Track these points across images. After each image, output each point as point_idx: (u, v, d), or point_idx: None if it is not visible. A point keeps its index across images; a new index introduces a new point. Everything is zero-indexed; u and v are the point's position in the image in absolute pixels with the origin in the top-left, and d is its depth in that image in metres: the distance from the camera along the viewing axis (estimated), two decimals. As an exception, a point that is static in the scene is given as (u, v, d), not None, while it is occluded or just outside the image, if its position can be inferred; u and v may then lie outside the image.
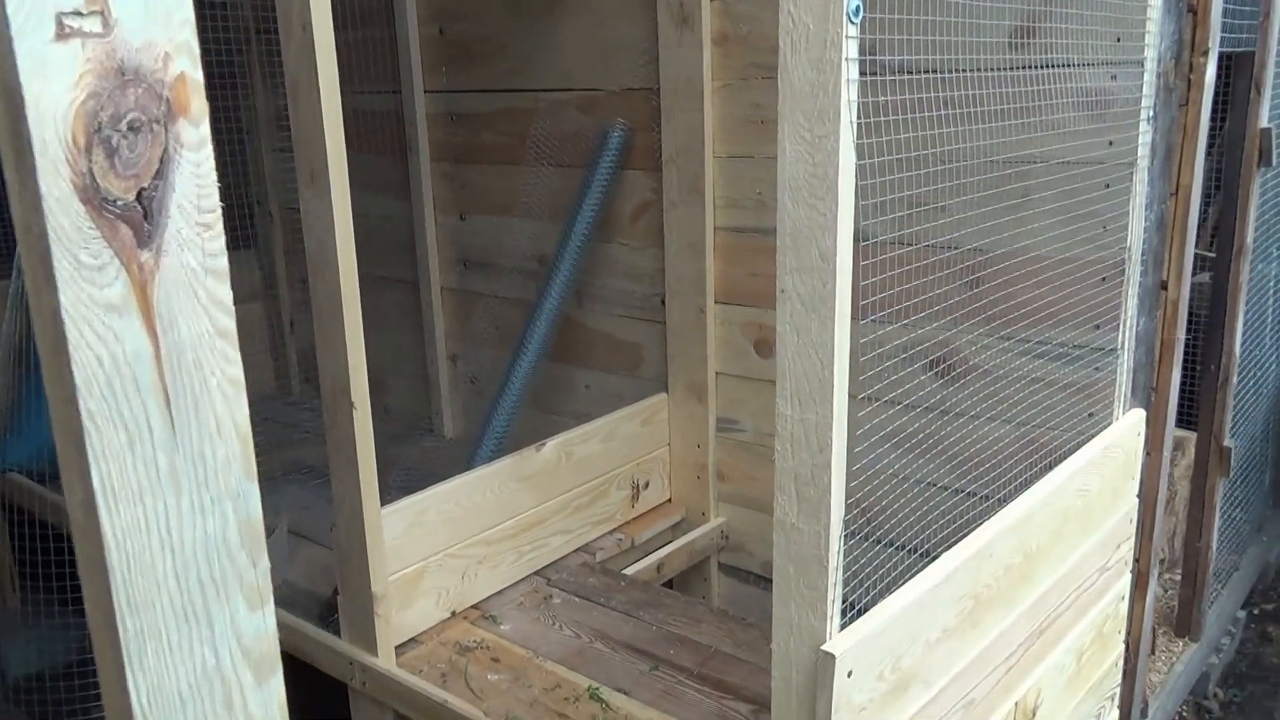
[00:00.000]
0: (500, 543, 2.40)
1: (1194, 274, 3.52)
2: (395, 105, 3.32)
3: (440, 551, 2.25)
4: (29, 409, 3.04)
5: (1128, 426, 2.15)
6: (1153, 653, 2.75)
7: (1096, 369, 2.15)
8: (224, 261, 0.64)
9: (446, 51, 3.21)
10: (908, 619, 1.47)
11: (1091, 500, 2.02)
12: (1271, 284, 3.31)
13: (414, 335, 3.51)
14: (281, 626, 2.12)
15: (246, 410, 0.67)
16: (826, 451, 1.29)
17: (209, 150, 0.61)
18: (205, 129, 0.61)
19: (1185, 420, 3.02)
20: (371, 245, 3.63)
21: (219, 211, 0.63)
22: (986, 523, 1.69)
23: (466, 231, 3.32)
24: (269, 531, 2.40)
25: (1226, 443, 2.82)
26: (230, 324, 0.65)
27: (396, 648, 2.17)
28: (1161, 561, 3.30)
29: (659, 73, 2.66)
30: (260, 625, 0.71)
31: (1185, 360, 3.26)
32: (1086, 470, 1.97)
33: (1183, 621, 2.97)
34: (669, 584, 2.83)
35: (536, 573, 2.52)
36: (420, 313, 3.45)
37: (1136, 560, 2.42)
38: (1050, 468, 1.97)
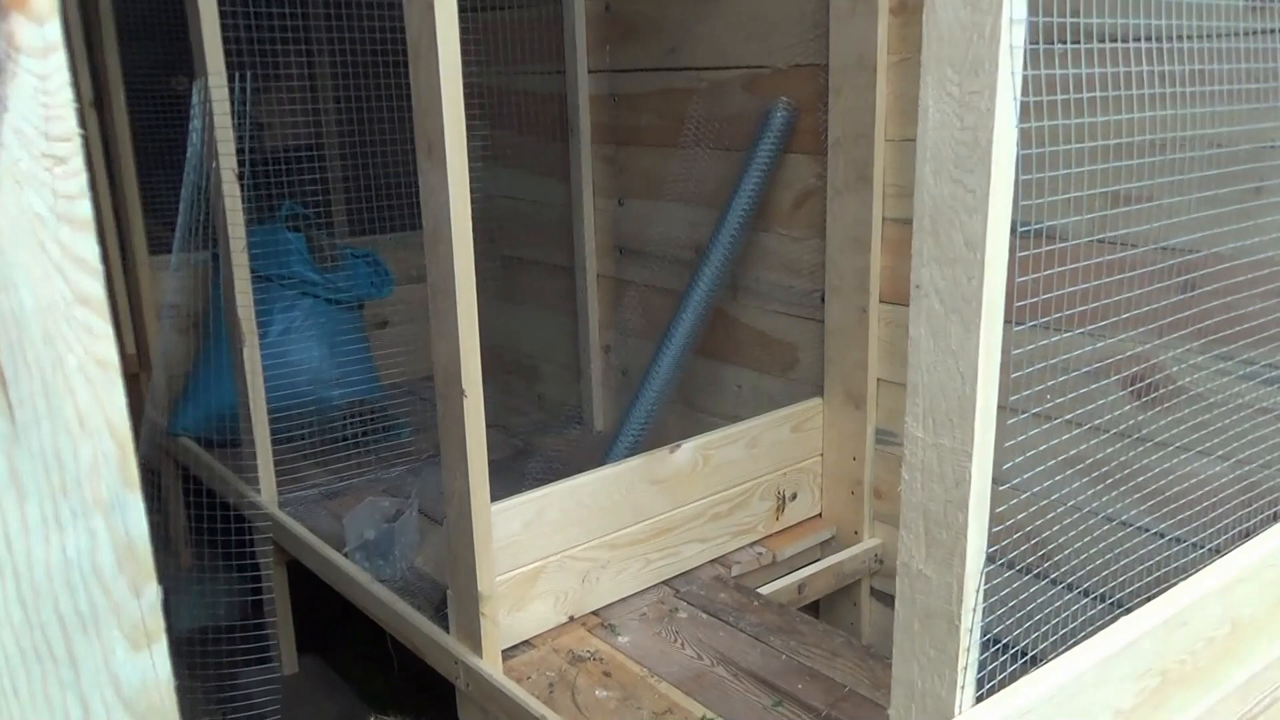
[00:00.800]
0: (626, 547, 2.25)
1: None
2: (559, 86, 3.23)
3: (560, 552, 2.12)
4: (203, 376, 3.16)
5: (1383, 473, 1.74)
6: None
7: (1343, 400, 1.76)
8: (86, 206, 0.50)
9: (612, 29, 3.08)
10: (1069, 697, 1.20)
11: (1328, 561, 1.64)
12: None
13: (568, 323, 3.42)
14: (399, 619, 2.05)
15: (123, 400, 0.53)
16: (964, 486, 1.04)
17: (61, 60, 0.47)
18: (54, 31, 0.47)
19: None
20: (529, 229, 3.57)
21: (78, 141, 0.49)
22: (1184, 582, 1.38)
23: (624, 217, 3.19)
24: (397, 515, 2.36)
25: None
26: (96, 288, 0.51)
27: (509, 649, 2.07)
28: None
29: (828, 47, 2.42)
30: (147, 671, 0.56)
31: None
32: (1323, 525, 1.59)
33: None
34: (813, 608, 2.60)
35: (665, 582, 2.35)
36: (575, 300, 3.35)
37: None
38: (1277, 518, 1.61)
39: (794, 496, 2.58)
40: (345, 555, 2.40)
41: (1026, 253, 1.30)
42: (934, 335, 1.05)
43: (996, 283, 1.03)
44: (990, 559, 1.72)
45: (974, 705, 1.13)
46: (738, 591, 2.32)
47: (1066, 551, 2.01)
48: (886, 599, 2.65)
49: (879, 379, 2.50)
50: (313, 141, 3.83)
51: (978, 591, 1.07)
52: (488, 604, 1.92)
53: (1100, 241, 1.88)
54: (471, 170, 1.76)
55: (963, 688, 1.10)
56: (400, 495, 2.61)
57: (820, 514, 2.65)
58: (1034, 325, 1.36)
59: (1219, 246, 1.84)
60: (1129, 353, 1.99)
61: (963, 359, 1.03)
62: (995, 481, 1.44)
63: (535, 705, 1.84)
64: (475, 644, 1.95)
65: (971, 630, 1.09)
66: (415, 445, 3.10)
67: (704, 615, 2.22)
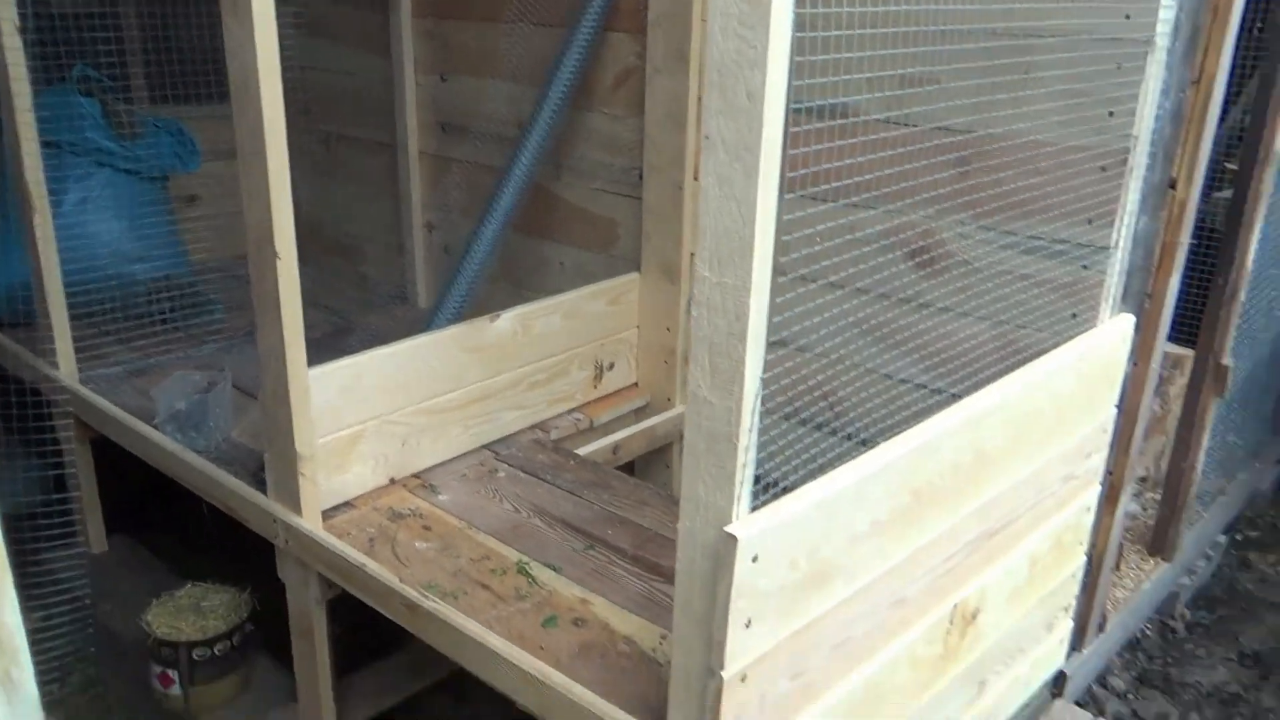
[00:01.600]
0: (446, 413, 2.31)
1: (1214, 187, 3.31)
2: (376, -49, 3.11)
3: (378, 417, 2.17)
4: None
5: (1113, 332, 2.01)
6: (1118, 568, 2.66)
7: (1085, 267, 2.00)
8: None
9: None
10: (830, 509, 1.37)
11: (1062, 405, 1.89)
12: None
13: (391, 201, 3.38)
14: (215, 484, 2.06)
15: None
16: (743, 320, 1.16)
17: None
18: None
19: (1188, 340, 2.88)
20: (348, 104, 3.47)
21: None
22: (934, 417, 1.57)
23: (447, 93, 3.15)
24: (209, 386, 2.33)
25: (1225, 361, 2.67)
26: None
27: (329, 510, 2.11)
28: (1144, 480, 3.20)
29: (648, -79, 2.45)
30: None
31: (1193, 275, 3.09)
32: (1059, 373, 1.84)
33: (1158, 541, 2.88)
34: (629, 469, 2.76)
35: (485, 446, 2.44)
36: (397, 178, 3.30)
37: (1110, 473, 2.31)
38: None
39: (611, 366, 2.71)
40: (155, 428, 2.35)
41: (820, 125, 1.41)
42: (720, 182, 1.15)
43: (775, 134, 1.13)
44: (786, 416, 1.89)
45: (750, 514, 1.28)
46: (556, 453, 2.44)
47: (852, 406, 2.21)
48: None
49: (692, 254, 2.63)
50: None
51: (753, 414, 1.21)
52: (306, 464, 1.96)
53: (887, 121, 2.04)
54: (284, 39, 1.72)
55: (739, 500, 1.25)
56: (213, 370, 2.57)
57: (636, 383, 2.78)
58: (846, 204, 1.49)
59: (993, 129, 2.03)
60: (916, 229, 2.18)
61: (744, 203, 1.14)
62: (793, 346, 1.58)
63: (354, 554, 1.91)
64: (294, 503, 1.99)
65: (748, 449, 1.23)
66: (228, 324, 3.03)
67: (523, 474, 2.33)
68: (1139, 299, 2.14)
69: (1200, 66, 2.11)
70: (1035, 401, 1.79)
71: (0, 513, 2.65)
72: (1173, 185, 2.12)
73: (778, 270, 1.39)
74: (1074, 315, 2.02)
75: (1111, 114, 1.94)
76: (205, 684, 2.21)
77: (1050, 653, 2.31)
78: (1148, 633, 2.92)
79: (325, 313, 3.27)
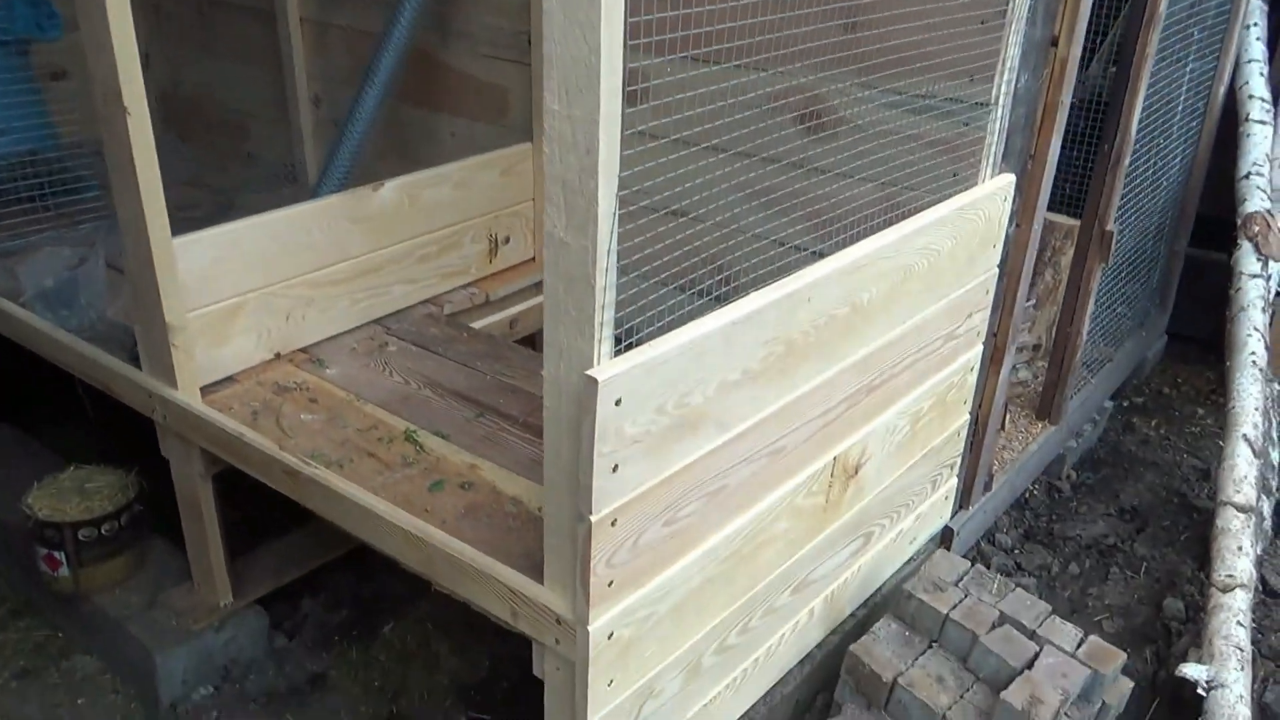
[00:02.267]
0: (331, 286, 2.25)
1: (1109, 67, 3.33)
2: None
3: (258, 289, 2.10)
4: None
5: (993, 190, 2.02)
6: (1003, 428, 2.75)
7: (965, 124, 2.00)
8: None
9: None
10: (698, 354, 1.37)
11: (940, 262, 1.91)
12: (1185, 83, 3.13)
13: (274, 74, 3.21)
14: (89, 362, 1.97)
15: None
16: (594, 154, 1.13)
17: None
18: None
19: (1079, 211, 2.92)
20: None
21: None
22: (808, 268, 1.58)
23: (328, -46, 2.98)
24: (80, 263, 2.22)
25: (1110, 227, 2.73)
26: None
27: (211, 385, 2.06)
28: (1037, 348, 3.29)
29: None
30: None
31: (1088, 149, 3.13)
32: (935, 229, 1.85)
33: (1044, 404, 2.98)
34: (531, 345, 2.74)
35: (376, 320, 2.39)
36: (279, 48, 3.14)
37: (994, 334, 2.37)
38: (903, 226, 1.85)
39: (507, 240, 2.66)
40: (22, 305, 2.25)
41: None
42: (564, 8, 1.10)
43: (622, -45, 1.08)
44: (681, 289, 1.88)
45: (613, 358, 1.27)
46: (449, 326, 2.40)
47: (743, 275, 2.21)
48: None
49: (585, 122, 2.56)
50: None
51: (609, 254, 1.19)
52: (178, 335, 1.89)
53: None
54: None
55: (600, 341, 1.24)
56: (86, 247, 2.45)
57: (534, 257, 2.74)
58: (735, 65, 1.44)
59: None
60: (805, 93, 2.15)
61: (589, 30, 1.09)
62: (689, 216, 1.55)
63: (232, 424, 1.87)
64: (169, 377, 1.93)
65: (606, 289, 1.21)
66: (103, 203, 2.88)
67: (414, 348, 2.30)
68: (1021, 160, 2.16)
69: (1088, -80, 2.09)
70: (910, 256, 1.80)
71: None
72: (1054, 42, 2.11)
73: (659, 134, 1.36)
74: (955, 175, 2.03)
75: (995, -35, 1.92)
76: (94, 565, 2.17)
77: (936, 509, 2.40)
78: (1035, 492, 3.05)
79: (207, 191, 3.14)
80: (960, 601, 1.99)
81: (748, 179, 2.16)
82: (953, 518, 2.53)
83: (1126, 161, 2.66)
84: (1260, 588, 2.45)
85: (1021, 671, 1.84)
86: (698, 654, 1.66)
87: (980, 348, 2.26)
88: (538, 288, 2.74)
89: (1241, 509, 2.35)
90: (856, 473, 1.93)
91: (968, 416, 2.35)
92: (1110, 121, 2.62)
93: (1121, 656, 1.93)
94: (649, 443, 1.35)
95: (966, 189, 2.00)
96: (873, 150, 2.07)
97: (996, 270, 2.17)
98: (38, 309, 2.23)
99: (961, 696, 1.85)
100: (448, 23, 2.72)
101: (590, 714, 1.46)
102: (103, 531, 2.15)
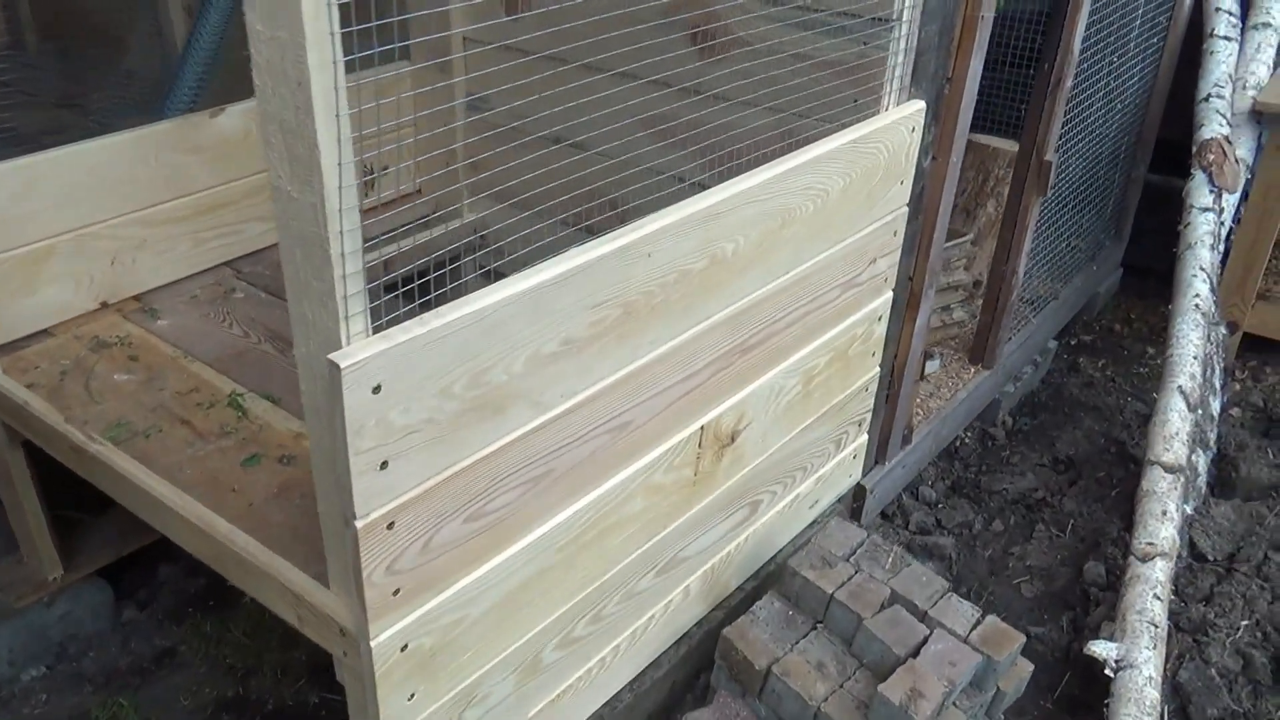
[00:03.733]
0: (168, 225, 2.01)
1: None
2: None
3: (74, 230, 1.86)
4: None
5: (897, 119, 1.78)
6: (922, 378, 2.56)
7: (865, 43, 1.75)
8: None
9: None
10: (493, 326, 1.16)
11: (830, 203, 1.68)
12: (1140, 9, 2.85)
13: (145, -18, 2.90)
14: None
15: None
16: (306, 87, 0.90)
17: None
18: None
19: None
20: None
21: None
22: (648, 217, 1.35)
23: None
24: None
25: (1049, 157, 2.49)
26: None
27: (19, 340, 1.84)
28: (978, 284, 3.07)
29: None
30: None
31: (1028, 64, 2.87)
32: (820, 166, 1.62)
33: (977, 349, 2.78)
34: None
35: (227, 263, 2.15)
36: (145, -49, 2.82)
37: (910, 279, 2.15)
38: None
39: (385, 169, 2.40)
40: None
41: None
42: (260, -105, 0.86)
43: None
44: (566, 222, 1.65)
45: (371, 336, 1.05)
46: (308, 270, 2.17)
47: (632, 205, 1.98)
48: (497, 278, 2.60)
49: (465, 38, 2.29)
50: None
51: (341, 213, 0.96)
52: (-40, 286, 1.66)
53: None
54: None
55: (346, 317, 1.02)
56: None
57: (419, 190, 2.49)
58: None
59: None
60: (697, 9, 1.89)
61: (287, -77, 0.85)
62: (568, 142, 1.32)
63: (20, 393, 1.66)
64: (-44, 332, 1.71)
65: (345, 256, 0.99)
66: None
67: (264, 294, 2.07)
68: (937, 84, 1.91)
69: None
70: (789, 198, 1.57)
71: None
72: (978, -53, 1.85)
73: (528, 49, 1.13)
74: (855, 102, 1.79)
75: None
76: (-92, 535, 1.98)
77: (843, 468, 2.22)
78: (967, 440, 2.87)
79: (77, 113, 2.86)
80: (850, 579, 1.81)
81: (636, 104, 1.92)
82: (865, 475, 2.35)
83: (1069, 83, 2.41)
84: (1187, 552, 2.29)
85: (906, 660, 1.67)
86: (534, 651, 1.49)
87: (889, 295, 2.04)
88: (422, 225, 2.50)
89: (1170, 468, 2.17)
90: (733, 440, 1.73)
91: (877, 370, 2.15)
92: (1050, 39, 2.36)
93: (1020, 640, 1.76)
94: (432, 432, 1.14)
95: (866, 118, 1.76)
96: (762, 73, 1.82)
97: (906, 209, 1.94)
98: None
99: (841, 685, 1.69)
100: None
101: (388, 732, 1.29)
102: (-86, 500, 1.95)
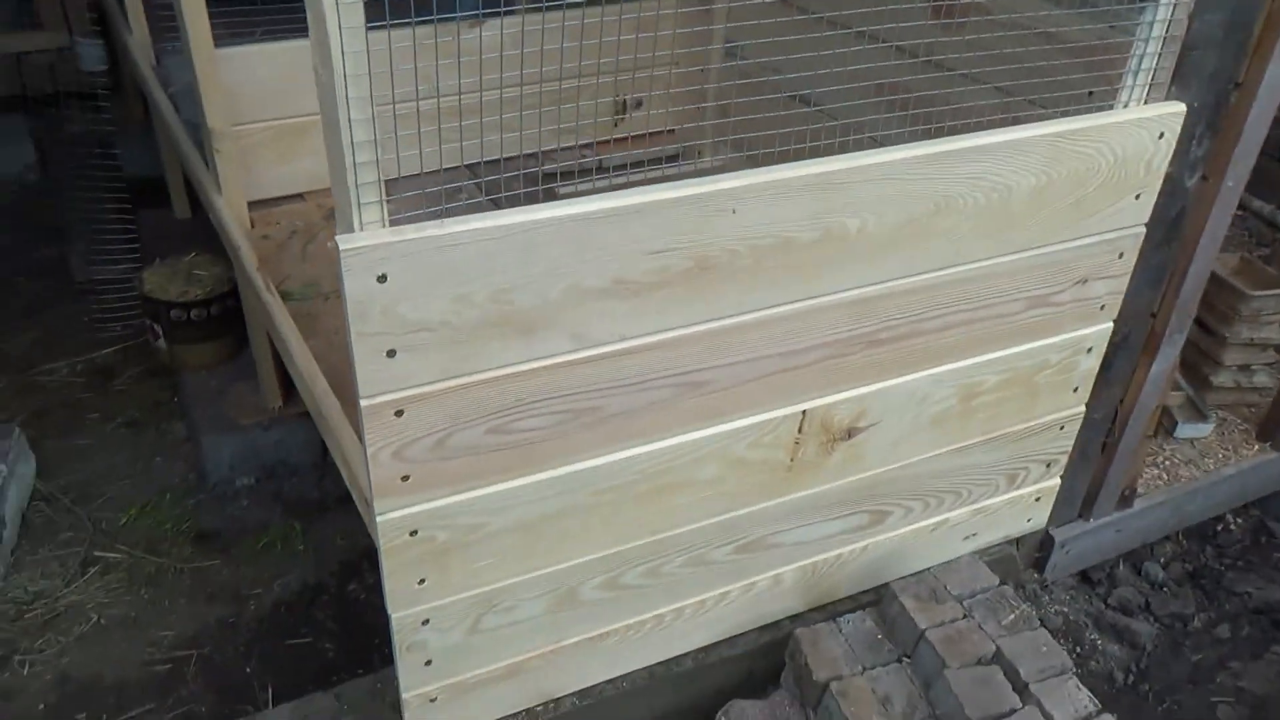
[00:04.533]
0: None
1: None
2: None
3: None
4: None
5: (1138, 120, 1.50)
6: (1154, 435, 2.17)
7: (1112, 24, 1.48)
8: None
9: None
10: (526, 247, 1.16)
11: (1012, 202, 1.47)
12: None
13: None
14: (190, 161, 2.05)
15: None
16: (327, -26, 0.94)
17: None
18: None
19: None
20: None
21: None
22: (734, 173, 1.26)
23: None
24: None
25: None
26: None
27: (270, 200, 2.13)
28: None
29: None
30: None
31: None
32: (997, 155, 1.41)
33: (1269, 423, 2.30)
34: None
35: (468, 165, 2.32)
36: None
37: (1153, 316, 1.83)
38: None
39: (639, 104, 2.45)
40: (170, 97, 2.44)
41: None
42: None
43: None
44: None
45: (385, 227, 1.11)
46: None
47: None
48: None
49: (734, -18, 2.25)
50: None
51: (360, 82, 1.01)
52: (221, 141, 1.92)
53: None
54: None
55: (357, 203, 1.08)
56: None
57: (673, 130, 2.51)
58: None
59: None
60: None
61: None
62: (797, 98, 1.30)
63: (236, 236, 1.91)
64: (216, 184, 2.00)
65: (355, 145, 1.04)
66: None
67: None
68: (1218, 88, 1.58)
69: None
70: (950, 185, 1.40)
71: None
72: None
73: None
74: (1090, 94, 1.53)
75: None
76: (185, 344, 2.39)
77: (1015, 507, 1.96)
78: (1232, 528, 2.41)
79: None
80: (951, 621, 1.62)
81: (871, 68, 1.80)
82: (1056, 526, 2.06)
83: None
84: None
85: (975, 727, 1.47)
86: (570, 582, 1.49)
87: (1108, 326, 1.75)
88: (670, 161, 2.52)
89: None
90: (849, 436, 1.60)
91: (1082, 410, 1.86)
92: None
93: (1132, 754, 1.48)
94: (448, 335, 1.17)
95: (1096, 112, 1.50)
96: (996, 48, 1.61)
97: (1142, 229, 1.64)
98: (179, 103, 2.40)
99: (898, 729, 1.53)
100: None
101: (392, 608, 1.37)
102: (192, 316, 2.35)
